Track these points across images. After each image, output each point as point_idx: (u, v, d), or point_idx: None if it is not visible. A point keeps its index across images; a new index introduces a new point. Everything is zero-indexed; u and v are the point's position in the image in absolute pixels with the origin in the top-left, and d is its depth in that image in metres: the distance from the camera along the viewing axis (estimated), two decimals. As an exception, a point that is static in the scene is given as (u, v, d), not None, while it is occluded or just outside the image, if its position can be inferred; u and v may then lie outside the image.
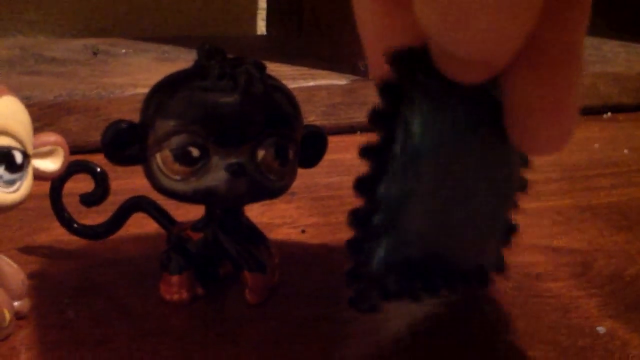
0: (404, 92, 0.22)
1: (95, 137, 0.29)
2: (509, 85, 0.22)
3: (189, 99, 0.27)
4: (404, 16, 0.22)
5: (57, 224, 0.31)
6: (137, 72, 0.53)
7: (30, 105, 0.35)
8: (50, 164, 0.27)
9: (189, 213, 0.30)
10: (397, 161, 0.23)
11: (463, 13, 0.19)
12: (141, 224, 0.33)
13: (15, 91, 0.25)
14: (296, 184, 0.30)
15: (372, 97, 0.56)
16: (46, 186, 0.30)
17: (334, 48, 0.58)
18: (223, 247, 0.29)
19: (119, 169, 0.28)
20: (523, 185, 0.28)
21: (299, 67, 0.56)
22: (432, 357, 0.27)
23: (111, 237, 0.32)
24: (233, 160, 0.26)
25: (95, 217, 0.32)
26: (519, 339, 0.28)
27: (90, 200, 0.30)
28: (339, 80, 0.54)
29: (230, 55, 0.28)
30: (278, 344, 0.27)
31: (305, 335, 0.28)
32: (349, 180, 0.46)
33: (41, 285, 0.30)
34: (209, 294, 0.30)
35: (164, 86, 0.28)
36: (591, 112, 0.64)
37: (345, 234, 0.37)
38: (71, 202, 0.31)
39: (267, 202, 0.35)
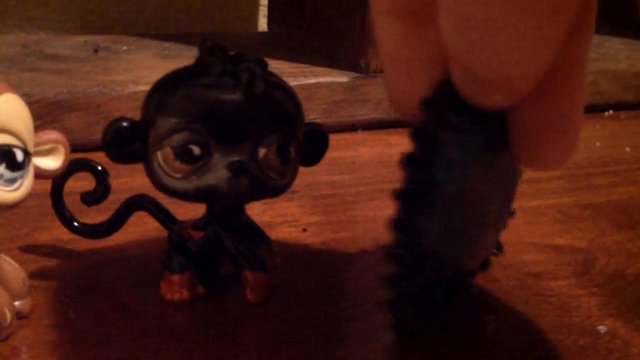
0: (436, 139, 0.23)
1: (97, 134, 0.29)
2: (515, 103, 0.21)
3: (190, 96, 0.27)
4: (425, 35, 0.22)
5: (57, 222, 0.31)
6: (138, 69, 0.53)
7: (31, 103, 0.35)
8: (51, 162, 0.27)
9: (190, 212, 0.30)
10: (432, 202, 0.24)
11: (488, 30, 0.18)
12: (142, 223, 0.33)
13: (16, 88, 0.25)
14: (297, 182, 0.30)
15: (373, 94, 0.57)
16: (47, 184, 0.30)
17: (336, 45, 0.58)
18: (224, 245, 0.29)
19: (120, 167, 0.28)
20: None
21: (300, 64, 0.56)
22: (432, 357, 0.27)
23: (112, 236, 0.32)
24: (234, 158, 0.26)
25: (96, 215, 0.32)
26: (520, 338, 0.28)
27: (91, 198, 0.30)
28: (340, 78, 0.54)
29: (231, 52, 0.28)
30: (279, 343, 0.27)
31: (306, 334, 0.28)
32: (350, 179, 0.47)
33: (42, 285, 0.30)
34: (210, 293, 0.30)
35: (165, 83, 0.28)
36: (593, 109, 0.64)
37: (346, 232, 0.37)
38: (72, 201, 0.31)
39: (268, 200, 0.35)
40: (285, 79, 0.29)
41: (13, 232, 0.35)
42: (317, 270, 0.33)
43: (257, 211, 0.37)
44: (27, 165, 0.25)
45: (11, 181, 0.25)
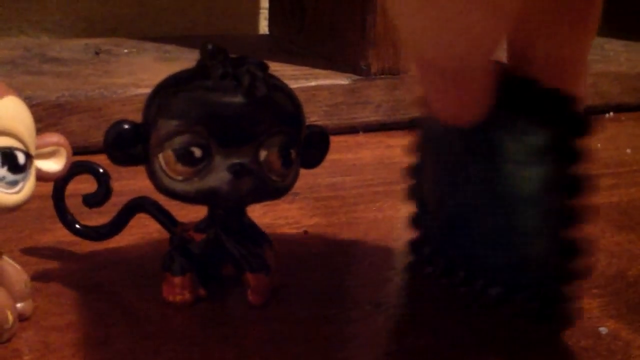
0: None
1: (98, 137, 0.29)
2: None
3: (192, 99, 0.27)
4: None
5: (59, 225, 0.31)
6: (139, 72, 0.53)
7: (33, 106, 0.35)
8: (53, 165, 0.27)
9: (192, 214, 0.30)
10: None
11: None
12: (143, 225, 0.33)
13: (18, 91, 0.25)
14: (298, 184, 0.30)
15: (374, 96, 0.57)
16: (49, 187, 0.30)
17: (336, 48, 0.58)
18: (225, 247, 0.29)
19: (122, 169, 0.28)
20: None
21: (301, 67, 0.56)
22: (434, 358, 0.27)
23: (114, 238, 0.32)
24: (235, 160, 0.26)
25: (97, 218, 0.32)
26: (521, 339, 0.28)
27: (92, 201, 0.30)
28: (341, 80, 0.54)
29: (232, 55, 0.28)
30: (280, 344, 0.27)
31: (307, 336, 0.28)
32: (351, 181, 0.47)
33: (44, 287, 0.30)
34: (211, 295, 0.30)
35: (167, 86, 0.28)
36: (593, 111, 0.64)
37: (347, 234, 0.37)
38: (74, 203, 0.31)
39: (270, 202, 0.35)
40: (286, 81, 0.29)
41: (15, 235, 0.35)
42: (318, 272, 0.33)
43: (258, 213, 0.37)
44: (29, 167, 0.25)
45: (13, 184, 0.25)
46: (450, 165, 0.29)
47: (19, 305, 0.27)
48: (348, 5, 0.56)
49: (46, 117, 0.45)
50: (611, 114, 0.66)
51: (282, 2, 0.68)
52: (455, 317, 0.29)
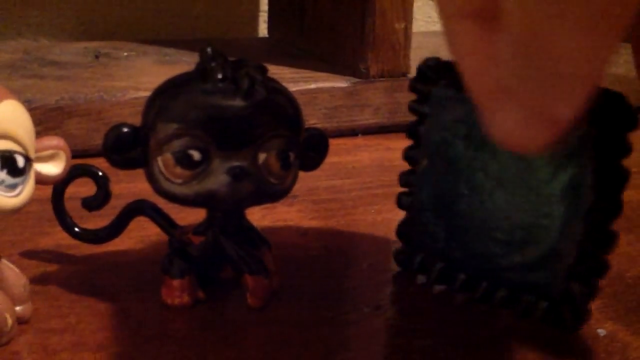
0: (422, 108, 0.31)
1: (97, 140, 0.29)
2: None
3: (191, 102, 0.27)
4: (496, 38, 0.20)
5: (59, 228, 0.31)
6: (139, 75, 0.53)
7: (33, 109, 0.35)
8: (52, 168, 0.27)
9: (191, 217, 0.30)
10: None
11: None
12: (143, 228, 0.33)
13: (18, 94, 0.26)
14: (297, 187, 0.30)
15: (373, 99, 0.57)
16: (48, 190, 0.30)
17: (336, 50, 0.58)
18: (224, 250, 0.29)
19: (121, 172, 0.29)
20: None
21: (300, 70, 0.56)
22: (431, 358, 0.27)
23: (113, 241, 0.32)
24: (234, 163, 0.26)
25: (97, 221, 0.32)
26: (520, 341, 0.28)
27: (92, 204, 0.30)
28: (340, 83, 0.54)
29: (231, 58, 0.28)
30: (279, 347, 0.27)
31: (306, 339, 0.28)
32: (350, 183, 0.47)
33: (43, 290, 0.30)
34: (210, 297, 0.30)
35: (166, 89, 0.28)
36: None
37: (345, 237, 0.37)
38: (73, 206, 0.31)
39: (268, 205, 0.35)
40: (285, 84, 0.29)
41: (14, 238, 0.35)
42: (317, 274, 0.33)
43: (257, 216, 0.38)
44: (28, 171, 0.25)
45: (12, 187, 0.25)
46: (465, 166, 0.29)
47: (18, 308, 0.27)
48: (347, 8, 0.56)
49: (46, 120, 0.45)
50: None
51: (281, 4, 0.68)
52: (454, 319, 0.29)
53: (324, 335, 0.28)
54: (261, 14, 0.78)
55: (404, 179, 0.32)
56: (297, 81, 0.53)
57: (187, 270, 0.29)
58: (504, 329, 0.29)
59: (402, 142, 0.32)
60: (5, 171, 0.24)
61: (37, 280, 0.31)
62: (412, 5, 0.54)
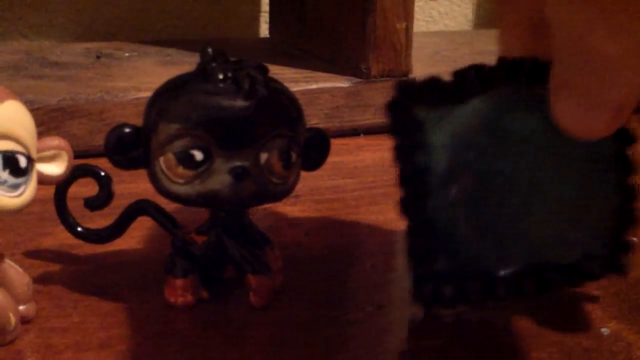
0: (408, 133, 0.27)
1: (99, 140, 0.29)
2: None
3: (192, 102, 0.27)
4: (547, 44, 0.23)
5: (61, 228, 0.31)
6: (140, 76, 0.53)
7: (34, 110, 0.35)
8: (55, 168, 0.27)
9: (193, 216, 0.30)
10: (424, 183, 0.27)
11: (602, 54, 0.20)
12: (145, 228, 0.34)
13: (20, 95, 0.26)
14: (299, 186, 0.30)
15: (375, 99, 0.57)
16: (50, 190, 0.30)
17: (337, 50, 0.58)
18: (227, 250, 0.29)
19: (123, 172, 0.29)
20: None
21: (301, 70, 0.56)
22: (434, 358, 0.27)
23: (115, 241, 0.32)
24: (236, 163, 0.26)
25: (99, 221, 0.32)
26: (523, 340, 0.28)
27: (94, 204, 0.30)
28: (341, 83, 0.54)
29: (232, 58, 0.28)
30: (282, 346, 0.27)
31: (309, 338, 0.28)
32: (352, 183, 0.47)
33: (46, 289, 0.30)
34: (213, 297, 0.30)
35: (167, 90, 0.28)
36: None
37: (348, 236, 0.37)
38: (75, 206, 0.31)
39: (271, 204, 0.35)
40: (286, 84, 0.29)
41: (17, 238, 0.35)
42: (320, 274, 0.33)
43: (259, 215, 0.38)
44: (31, 171, 0.25)
45: (15, 187, 0.25)
46: (502, 173, 0.28)
47: (21, 307, 0.27)
48: (348, 8, 0.56)
49: (47, 120, 0.45)
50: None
51: (282, 5, 0.68)
52: (458, 319, 0.29)
53: (326, 335, 0.28)
54: (262, 14, 0.78)
55: (417, 225, 0.28)
56: (298, 81, 0.53)
57: (190, 270, 0.29)
58: (507, 328, 0.29)
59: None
60: (7, 171, 0.24)
61: (40, 280, 0.31)
62: (413, 5, 0.54)
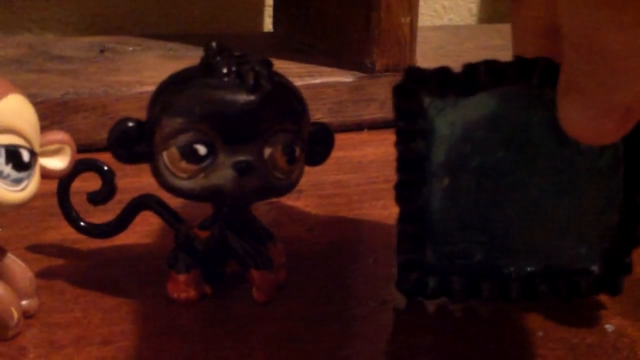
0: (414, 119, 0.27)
1: (103, 135, 0.29)
2: None
3: (196, 96, 0.27)
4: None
5: (64, 222, 0.31)
6: (144, 70, 0.53)
7: (38, 104, 0.35)
8: (58, 163, 0.27)
9: (196, 211, 0.30)
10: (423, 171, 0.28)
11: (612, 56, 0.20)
12: (148, 223, 0.33)
13: (23, 89, 0.25)
14: (303, 181, 0.30)
15: (379, 94, 0.57)
16: (53, 185, 0.30)
17: (341, 45, 0.58)
18: (230, 245, 0.29)
19: (127, 167, 0.28)
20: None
21: (305, 64, 0.56)
22: (439, 355, 0.27)
23: (118, 236, 0.32)
24: (240, 158, 0.26)
25: (102, 215, 0.32)
26: (527, 336, 0.28)
27: (97, 198, 0.30)
28: (345, 78, 0.54)
29: (236, 53, 0.28)
30: (285, 342, 0.27)
31: (312, 334, 0.28)
32: (356, 178, 0.47)
33: (49, 284, 0.30)
34: (216, 292, 0.30)
35: (171, 84, 0.28)
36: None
37: (351, 231, 0.37)
38: (78, 201, 0.31)
39: (274, 199, 0.35)
40: (290, 79, 0.29)
41: (20, 232, 0.35)
42: (323, 269, 0.33)
43: (262, 210, 0.37)
44: (34, 165, 0.25)
45: (17, 181, 0.25)
46: (503, 171, 0.28)
47: (24, 302, 0.27)
48: (352, 2, 0.56)
49: (51, 114, 0.45)
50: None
51: (286, -1, 0.68)
52: (460, 315, 0.29)
53: (329, 330, 0.28)
54: (266, 8, 0.78)
55: (409, 212, 0.28)
56: (302, 76, 0.52)
57: (192, 265, 0.29)
58: (511, 325, 0.29)
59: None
60: (10, 165, 0.24)
61: (43, 275, 0.31)
62: (417, -1, 0.54)
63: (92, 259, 0.33)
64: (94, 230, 0.32)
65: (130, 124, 0.28)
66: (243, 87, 0.26)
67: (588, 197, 0.28)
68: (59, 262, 0.32)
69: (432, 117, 0.27)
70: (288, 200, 0.39)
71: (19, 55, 0.56)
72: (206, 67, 0.27)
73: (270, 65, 0.28)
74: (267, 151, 0.27)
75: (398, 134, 0.28)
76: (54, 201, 0.31)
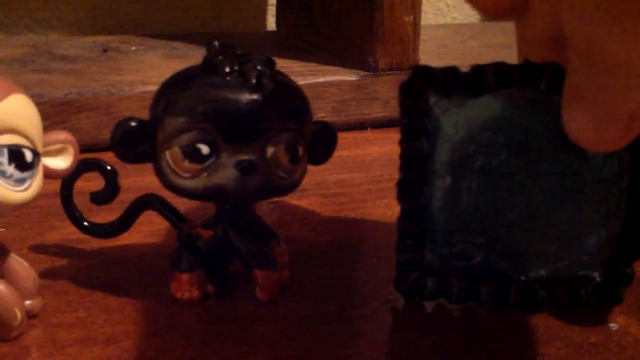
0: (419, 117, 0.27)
1: (106, 134, 0.29)
2: None
3: (198, 95, 0.27)
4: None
5: (67, 222, 0.31)
6: (147, 70, 0.53)
7: (41, 103, 0.35)
8: (61, 162, 0.27)
9: (199, 210, 0.30)
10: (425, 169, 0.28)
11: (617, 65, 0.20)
12: (151, 222, 0.33)
13: (26, 89, 0.25)
14: (306, 180, 0.30)
15: (382, 92, 0.57)
16: (56, 184, 0.30)
17: (344, 44, 0.58)
18: (233, 244, 0.29)
19: (130, 166, 0.28)
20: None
21: (308, 63, 0.56)
22: (442, 354, 0.27)
23: (122, 236, 0.32)
24: (243, 157, 0.26)
25: (105, 215, 0.32)
26: (532, 335, 0.28)
27: (100, 198, 0.30)
28: (348, 76, 0.53)
29: (239, 52, 0.28)
30: (289, 341, 0.27)
31: (316, 333, 0.28)
32: (359, 177, 0.47)
33: (52, 284, 0.30)
34: (220, 292, 0.30)
35: (173, 83, 0.28)
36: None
37: (355, 230, 0.37)
38: (81, 201, 0.31)
39: (277, 199, 0.35)
40: (293, 78, 0.29)
41: (23, 232, 0.35)
42: (327, 268, 0.33)
43: (266, 210, 0.37)
44: (37, 165, 0.25)
45: (21, 181, 0.25)
46: (505, 173, 0.28)
47: (27, 302, 0.27)
48: (355, 1, 0.56)
49: (54, 114, 0.45)
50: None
51: (289, -2, 0.68)
52: (465, 313, 0.29)
53: (333, 330, 0.28)
54: (269, 7, 0.78)
55: (410, 210, 0.29)
56: (305, 75, 0.52)
57: (196, 265, 0.29)
58: (513, 324, 0.29)
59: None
60: (13, 165, 0.24)
61: (46, 275, 0.31)
62: (420, -3, 0.54)
63: (96, 259, 0.33)
64: (97, 230, 0.32)
65: (133, 124, 0.28)
66: (246, 86, 0.26)
67: (591, 205, 0.28)
68: (62, 262, 0.32)
69: (437, 116, 0.27)
70: (291, 200, 0.39)
71: (22, 55, 0.56)
72: (209, 66, 0.27)
73: (273, 64, 0.28)
74: (270, 150, 0.27)
75: (402, 131, 0.28)
76: (57, 201, 0.31)
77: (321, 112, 0.51)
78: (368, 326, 0.28)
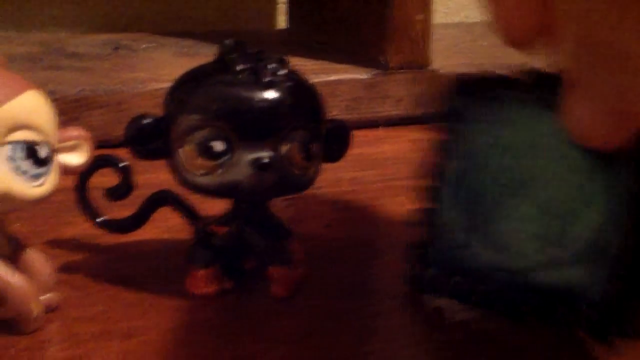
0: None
1: (118, 131, 0.29)
2: None
3: (212, 93, 0.27)
4: None
5: (82, 217, 0.31)
6: (158, 67, 0.53)
7: (53, 101, 0.35)
8: (75, 158, 0.27)
9: (215, 207, 0.30)
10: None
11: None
12: (166, 218, 0.33)
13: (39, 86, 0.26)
14: (320, 178, 0.29)
15: (394, 90, 0.56)
16: (71, 180, 0.30)
17: (356, 42, 0.58)
18: (248, 241, 0.29)
19: (144, 162, 0.28)
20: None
21: (320, 62, 0.56)
22: (448, 353, 0.27)
23: (137, 231, 0.32)
24: (257, 154, 0.26)
25: (120, 211, 0.32)
26: (545, 338, 0.28)
27: (115, 194, 0.30)
28: (360, 74, 0.53)
29: (252, 50, 0.28)
30: (305, 338, 0.27)
31: (331, 330, 0.28)
32: (372, 175, 0.47)
33: (69, 279, 0.30)
34: (235, 288, 0.30)
35: (187, 81, 0.28)
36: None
37: (369, 228, 0.37)
38: (96, 196, 0.31)
39: (292, 196, 0.35)
40: (306, 76, 0.29)
41: (38, 227, 0.35)
42: (342, 265, 0.33)
43: (281, 207, 0.37)
44: (52, 161, 0.25)
45: (36, 177, 0.25)
46: (500, 173, 0.27)
47: (45, 296, 0.27)
48: (366, 0, 0.56)
49: (66, 111, 0.45)
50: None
51: (301, -4, 0.68)
52: (480, 312, 0.29)
53: (348, 327, 0.28)
54: (280, 5, 0.78)
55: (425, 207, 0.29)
56: (317, 73, 0.52)
57: (212, 261, 0.29)
58: (531, 325, 0.29)
59: (424, 134, 0.31)
60: (28, 161, 0.24)
61: (62, 270, 0.31)
62: (431, -4, 0.54)
63: (112, 254, 0.33)
64: (112, 226, 0.32)
65: (147, 121, 0.28)
66: (259, 83, 0.26)
67: (592, 218, 0.27)
68: (79, 256, 0.32)
69: (465, 120, 0.28)
70: (306, 197, 0.39)
71: (34, 52, 0.56)
72: (221, 64, 0.27)
73: (285, 62, 0.28)
74: (284, 148, 0.27)
75: (437, 139, 0.28)
76: (72, 196, 0.31)
77: (334, 110, 0.51)
78: (384, 323, 0.28)
